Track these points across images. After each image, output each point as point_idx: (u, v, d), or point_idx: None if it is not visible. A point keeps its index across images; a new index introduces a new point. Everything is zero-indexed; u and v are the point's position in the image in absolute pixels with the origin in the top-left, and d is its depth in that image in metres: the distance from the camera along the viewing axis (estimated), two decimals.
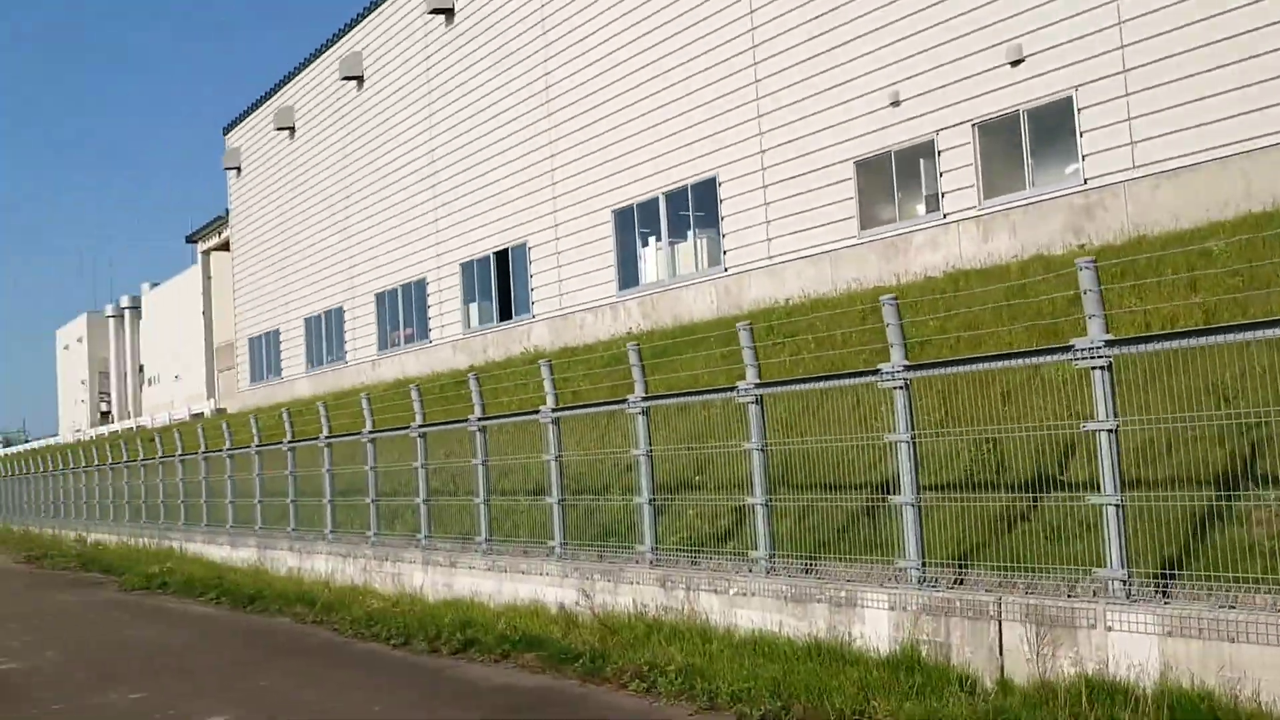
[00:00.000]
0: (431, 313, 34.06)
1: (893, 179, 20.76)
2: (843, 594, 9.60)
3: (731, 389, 11.15)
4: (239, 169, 47.48)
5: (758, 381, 10.66)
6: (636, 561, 11.99)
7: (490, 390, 21.62)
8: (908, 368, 9.45)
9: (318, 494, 20.37)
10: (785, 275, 22.45)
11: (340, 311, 39.41)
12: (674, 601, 11.22)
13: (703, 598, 10.91)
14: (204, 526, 24.47)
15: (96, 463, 34.63)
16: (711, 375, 15.73)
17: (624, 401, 12.44)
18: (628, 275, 26.77)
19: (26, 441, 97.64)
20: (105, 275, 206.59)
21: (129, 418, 71.10)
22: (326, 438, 19.16)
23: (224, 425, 23.39)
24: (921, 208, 20.52)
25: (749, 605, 10.41)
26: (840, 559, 10.25)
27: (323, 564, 18.66)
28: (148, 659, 13.72)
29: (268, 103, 44.34)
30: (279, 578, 19.28)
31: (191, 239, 57.56)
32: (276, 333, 44.33)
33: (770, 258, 23.00)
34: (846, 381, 10.17)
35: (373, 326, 37.38)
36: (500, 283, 31.01)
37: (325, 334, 40.60)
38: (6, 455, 72.56)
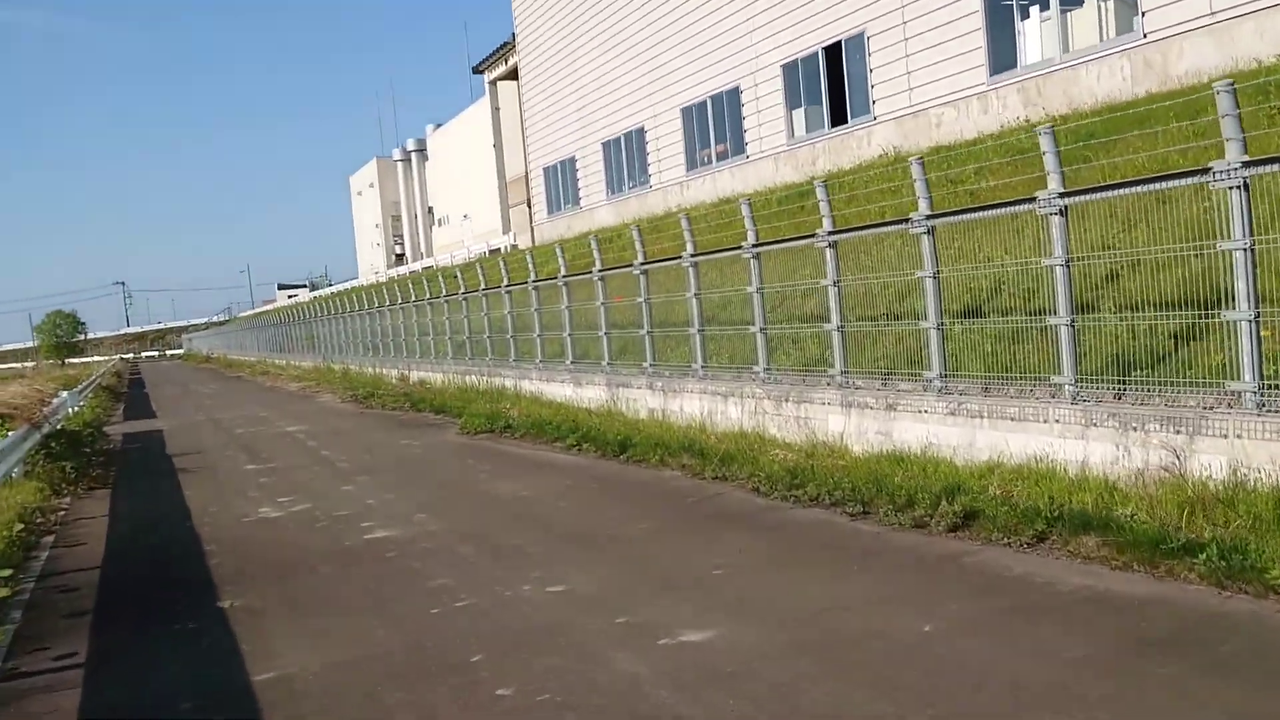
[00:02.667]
0: (748, 124, 30.46)
1: None
2: None
3: None
4: None
5: None
6: (1229, 405, 8.25)
7: (847, 199, 18.10)
8: None
9: (670, 324, 17.59)
10: (1237, 32, 17.43)
11: (641, 132, 36.42)
12: None
13: None
14: (539, 362, 22.25)
15: (415, 299, 33.45)
16: (1183, 155, 11.64)
17: (1202, 172, 8.45)
18: (1001, 57, 22.21)
19: (329, 285, 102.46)
20: (392, 120, 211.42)
21: (421, 258, 72.02)
22: (691, 256, 16.01)
23: (558, 249, 20.83)
24: None
25: None
26: None
27: (694, 405, 15.83)
28: (540, 527, 11.18)
29: None
30: (642, 421, 16.63)
31: (478, 69, 55.62)
32: (572, 160, 41.98)
33: (1212, 13, 17.93)
34: None
35: (679, 145, 34.21)
36: (831, 82, 27.00)
37: (626, 157, 37.83)
38: (317, 298, 75.53)
